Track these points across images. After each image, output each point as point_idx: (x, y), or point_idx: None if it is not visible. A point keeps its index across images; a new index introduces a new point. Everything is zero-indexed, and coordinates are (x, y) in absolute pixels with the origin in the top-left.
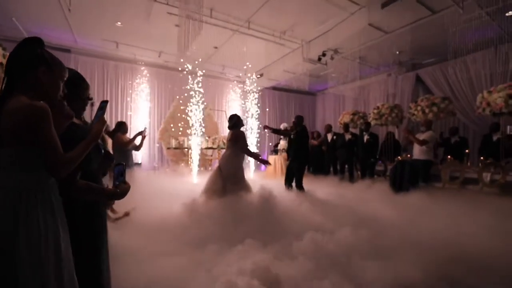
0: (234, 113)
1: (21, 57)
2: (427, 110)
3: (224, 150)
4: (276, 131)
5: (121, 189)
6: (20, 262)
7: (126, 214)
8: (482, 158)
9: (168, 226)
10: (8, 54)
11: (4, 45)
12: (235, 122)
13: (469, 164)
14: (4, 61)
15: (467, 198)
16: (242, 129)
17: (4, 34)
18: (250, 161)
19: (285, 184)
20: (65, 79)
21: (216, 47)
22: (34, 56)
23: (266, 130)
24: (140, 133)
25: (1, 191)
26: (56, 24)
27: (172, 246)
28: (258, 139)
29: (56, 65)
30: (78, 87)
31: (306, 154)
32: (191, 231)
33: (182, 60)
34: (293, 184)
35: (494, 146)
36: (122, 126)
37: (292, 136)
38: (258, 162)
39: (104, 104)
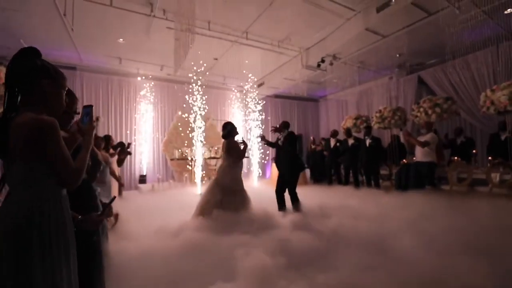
0: (228, 121)
1: (22, 71)
2: (430, 111)
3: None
4: (269, 144)
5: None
6: (35, 272)
7: (115, 217)
8: (490, 158)
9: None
10: None
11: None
12: (229, 130)
13: (476, 164)
14: None
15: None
16: (236, 137)
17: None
18: (253, 169)
19: (277, 197)
20: (66, 87)
21: (216, 59)
22: (36, 69)
23: (261, 141)
24: (128, 153)
25: (15, 205)
26: (61, 43)
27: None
28: (261, 148)
29: (58, 75)
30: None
31: (296, 161)
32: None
33: (189, 74)
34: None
35: (502, 146)
36: (97, 140)
37: (280, 143)
38: (246, 150)
39: (89, 109)
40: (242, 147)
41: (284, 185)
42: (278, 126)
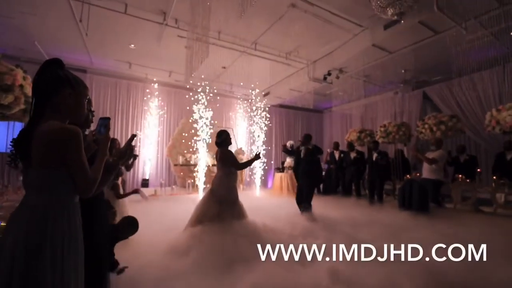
0: (223, 129)
1: (45, 81)
2: (434, 128)
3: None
4: (288, 152)
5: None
6: (44, 274)
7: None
8: (495, 177)
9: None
10: (28, 76)
11: (26, 66)
12: (224, 139)
13: (481, 183)
14: (24, 83)
15: None
16: (230, 147)
17: (27, 56)
18: (255, 178)
19: (298, 205)
20: (87, 96)
21: (224, 67)
22: (58, 80)
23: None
24: (135, 157)
25: (30, 210)
26: (74, 47)
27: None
28: (264, 157)
29: (79, 85)
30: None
31: (318, 172)
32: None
33: (191, 81)
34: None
35: (508, 165)
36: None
37: (302, 155)
38: (254, 162)
39: (106, 121)
40: (254, 157)
41: (302, 194)
42: (300, 140)
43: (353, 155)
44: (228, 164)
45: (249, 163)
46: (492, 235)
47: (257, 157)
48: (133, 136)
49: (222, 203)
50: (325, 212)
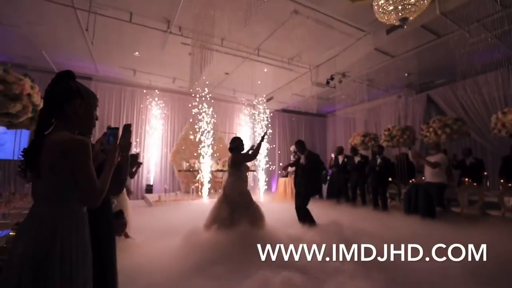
0: (237, 136)
1: (57, 92)
2: (439, 132)
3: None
4: (291, 165)
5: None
6: (53, 282)
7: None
8: (502, 181)
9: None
10: (36, 85)
11: (33, 75)
12: (237, 145)
13: (488, 186)
14: (32, 92)
15: None
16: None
17: (34, 65)
18: (259, 183)
19: (297, 212)
20: (97, 107)
21: (227, 73)
22: (69, 90)
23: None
24: (139, 164)
25: (39, 219)
26: (80, 55)
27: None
28: (268, 162)
29: (89, 96)
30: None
31: (316, 182)
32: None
33: (194, 88)
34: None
35: None
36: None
37: (302, 163)
38: (264, 140)
39: (115, 131)
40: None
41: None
42: (296, 148)
43: (357, 159)
44: (241, 165)
45: (259, 145)
46: None
47: (264, 136)
48: (127, 126)
49: (235, 207)
50: (330, 218)
